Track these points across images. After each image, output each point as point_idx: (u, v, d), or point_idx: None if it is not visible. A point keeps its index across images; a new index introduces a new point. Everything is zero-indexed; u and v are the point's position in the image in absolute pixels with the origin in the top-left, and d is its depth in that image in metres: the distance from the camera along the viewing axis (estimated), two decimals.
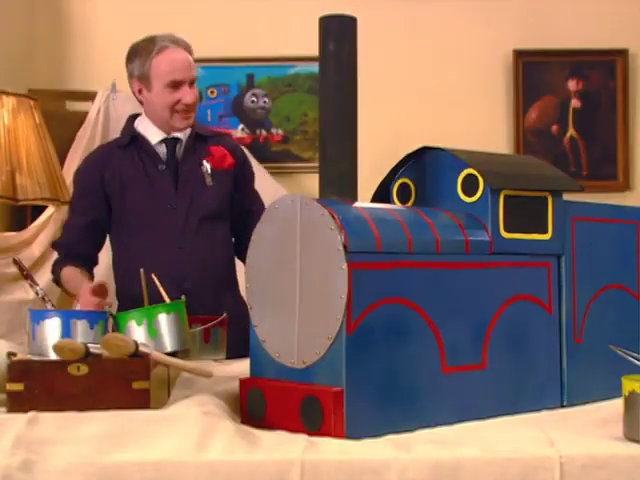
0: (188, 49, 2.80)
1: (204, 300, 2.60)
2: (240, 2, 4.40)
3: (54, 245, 2.86)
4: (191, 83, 2.77)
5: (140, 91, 2.83)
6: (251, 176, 2.97)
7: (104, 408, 1.66)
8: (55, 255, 2.86)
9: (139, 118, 2.88)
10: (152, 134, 2.81)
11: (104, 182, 2.76)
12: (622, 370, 1.69)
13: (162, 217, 2.74)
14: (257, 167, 3.98)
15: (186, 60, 2.77)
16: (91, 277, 2.75)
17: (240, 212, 2.88)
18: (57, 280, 2.78)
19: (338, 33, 1.82)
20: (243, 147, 3.12)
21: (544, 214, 1.97)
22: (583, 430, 1.68)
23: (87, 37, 4.42)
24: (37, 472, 1.44)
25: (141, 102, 2.87)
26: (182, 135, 2.82)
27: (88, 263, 2.78)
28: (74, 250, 2.75)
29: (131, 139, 2.82)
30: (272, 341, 1.76)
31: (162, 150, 2.79)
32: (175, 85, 2.74)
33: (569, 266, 2.02)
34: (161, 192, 2.75)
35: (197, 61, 4.40)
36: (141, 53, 2.79)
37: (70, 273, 2.71)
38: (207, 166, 2.72)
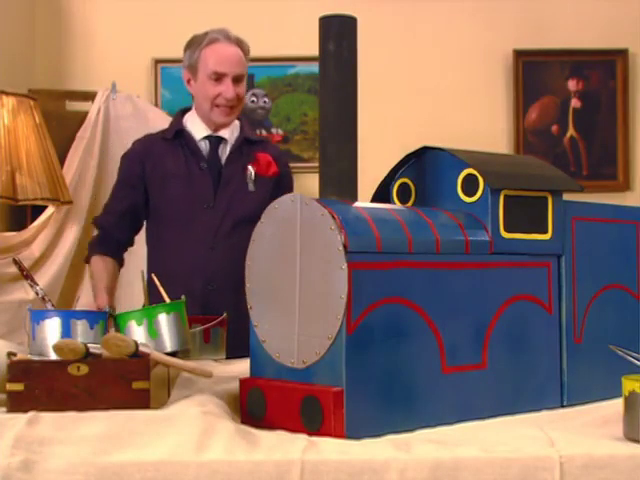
0: (241, 45, 2.80)
1: (226, 302, 2.58)
2: (240, 2, 4.41)
3: (94, 221, 2.91)
4: (236, 79, 2.76)
5: (189, 81, 2.86)
6: (289, 185, 2.97)
7: (104, 408, 1.66)
8: (94, 232, 2.91)
9: (189, 112, 2.91)
10: (197, 130, 2.83)
11: (145, 172, 2.79)
12: (622, 370, 1.69)
13: (198, 215, 2.76)
14: None
15: (234, 55, 2.77)
16: (116, 267, 2.83)
17: None
18: (87, 262, 2.85)
19: (338, 33, 1.81)
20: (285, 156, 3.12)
21: (544, 214, 1.97)
22: (583, 430, 1.68)
23: (87, 37, 4.42)
24: (37, 472, 1.44)
25: (192, 95, 2.90)
26: (228, 135, 2.81)
27: (120, 248, 2.84)
28: (110, 232, 2.81)
29: (176, 133, 2.83)
30: (272, 341, 1.76)
31: (205, 147, 2.80)
32: (218, 77, 2.75)
33: (569, 266, 2.02)
34: (200, 190, 2.77)
35: None
36: (193, 44, 2.81)
37: (96, 266, 2.78)
38: (252, 171, 2.71)
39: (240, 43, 2.80)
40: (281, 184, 2.89)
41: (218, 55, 2.76)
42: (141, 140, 2.93)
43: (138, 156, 2.84)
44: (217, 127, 2.81)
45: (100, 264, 2.79)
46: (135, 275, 2.58)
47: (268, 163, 2.78)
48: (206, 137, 2.82)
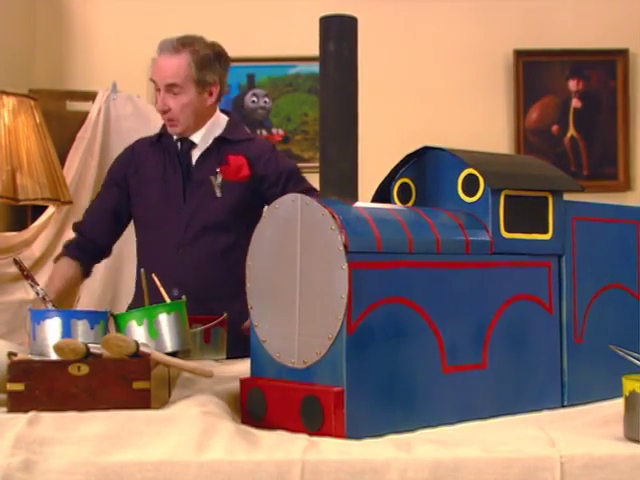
0: (187, 52, 2.68)
1: (192, 309, 2.53)
2: (240, 2, 4.40)
3: (73, 226, 2.89)
4: (170, 89, 2.67)
5: None
6: (284, 179, 2.81)
7: (104, 408, 1.66)
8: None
9: None
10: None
11: (127, 175, 2.78)
12: (622, 370, 1.69)
13: (169, 220, 2.73)
14: None
15: (168, 64, 2.67)
16: (79, 274, 2.76)
17: None
18: (55, 261, 2.82)
19: (338, 33, 1.81)
20: (276, 150, 2.95)
21: (545, 214, 1.97)
22: (584, 430, 1.68)
23: (88, 37, 4.42)
24: (37, 472, 1.44)
25: None
26: (199, 138, 2.77)
27: (94, 254, 2.80)
28: (87, 235, 2.78)
29: (160, 136, 2.82)
30: (272, 341, 1.76)
31: (180, 150, 2.78)
32: (157, 89, 2.70)
33: (569, 266, 2.02)
34: (172, 194, 2.74)
35: None
36: None
37: (58, 270, 2.73)
38: (219, 178, 2.67)
39: (186, 50, 2.67)
40: (265, 181, 2.79)
41: (155, 65, 2.71)
42: (131, 144, 2.93)
43: (124, 160, 2.84)
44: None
45: (62, 268, 2.75)
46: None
47: (238, 167, 2.71)
48: (179, 140, 2.79)
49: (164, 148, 2.79)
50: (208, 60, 2.71)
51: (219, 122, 2.83)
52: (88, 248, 2.78)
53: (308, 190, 2.82)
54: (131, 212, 2.83)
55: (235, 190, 2.73)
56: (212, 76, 2.73)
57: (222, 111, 2.88)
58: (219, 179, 2.66)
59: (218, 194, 2.67)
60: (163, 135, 2.82)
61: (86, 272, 2.83)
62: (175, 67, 2.66)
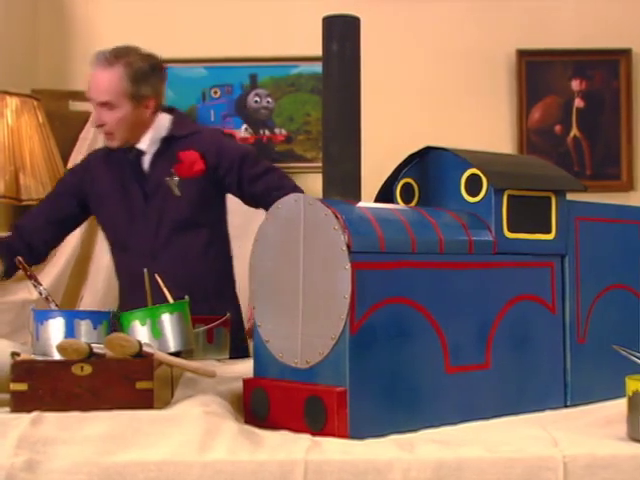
0: (120, 66, 2.60)
1: None
2: (243, 2, 4.40)
3: (13, 225, 2.82)
4: (104, 105, 2.61)
5: None
6: (237, 164, 2.77)
7: (108, 408, 1.66)
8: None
9: None
10: None
11: (84, 190, 2.72)
12: (626, 370, 1.69)
13: (135, 229, 2.68)
14: None
15: (100, 80, 2.61)
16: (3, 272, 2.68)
17: (249, 197, 2.82)
18: None
19: (341, 33, 1.81)
20: (227, 137, 2.91)
21: (548, 214, 1.97)
22: (587, 430, 1.68)
23: (90, 38, 4.42)
24: (41, 472, 1.44)
25: None
26: (146, 145, 2.71)
27: (25, 258, 2.69)
28: (25, 238, 2.70)
29: (109, 149, 2.76)
30: (275, 341, 1.76)
31: (132, 159, 2.73)
32: (92, 103, 2.64)
33: (573, 266, 2.02)
34: (133, 205, 2.68)
35: (199, 61, 4.40)
36: None
37: None
38: (174, 177, 2.61)
39: (119, 63, 2.61)
40: (220, 170, 2.74)
41: (89, 81, 2.65)
42: (85, 157, 2.88)
43: (79, 171, 2.78)
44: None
45: None
46: None
47: (192, 162, 2.67)
48: (129, 149, 2.73)
49: (116, 160, 2.73)
50: (143, 73, 2.65)
51: (162, 124, 2.77)
52: (20, 252, 2.69)
53: (267, 170, 2.81)
54: (79, 224, 2.78)
55: (194, 186, 2.70)
56: (147, 89, 2.67)
57: (164, 109, 2.83)
58: (175, 178, 2.62)
59: (177, 193, 2.63)
60: (110, 149, 2.78)
61: (8, 273, 2.73)
62: (107, 82, 2.60)
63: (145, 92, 2.64)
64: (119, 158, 2.72)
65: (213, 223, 2.81)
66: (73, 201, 2.76)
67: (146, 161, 2.71)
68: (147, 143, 2.68)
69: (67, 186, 2.80)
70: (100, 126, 2.62)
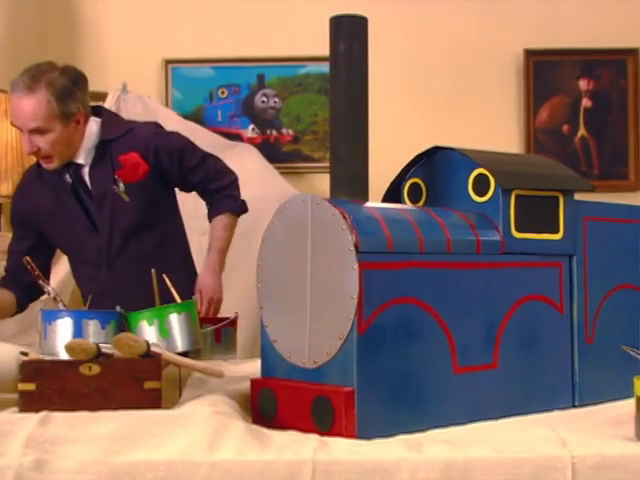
0: (42, 89, 2.47)
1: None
2: (250, 2, 4.41)
3: (5, 269, 2.76)
4: (35, 131, 2.50)
5: None
6: (176, 157, 2.69)
7: (116, 408, 1.66)
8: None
9: None
10: None
11: (30, 215, 2.67)
12: (634, 370, 1.69)
13: (87, 243, 2.63)
14: (268, 168, 3.97)
15: (25, 107, 2.48)
16: (11, 302, 2.67)
17: (190, 187, 2.79)
18: None
19: (349, 33, 1.81)
20: (160, 130, 2.77)
21: (555, 214, 1.97)
22: (595, 430, 1.67)
23: (98, 38, 4.43)
24: (49, 472, 1.44)
25: None
26: (83, 158, 2.62)
27: (27, 289, 2.65)
28: (17, 277, 2.65)
29: (38, 167, 2.67)
30: (283, 341, 1.76)
31: (67, 176, 2.64)
32: (20, 129, 2.54)
33: (580, 266, 2.01)
34: (77, 220, 2.62)
35: (206, 61, 4.41)
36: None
37: None
38: (120, 184, 2.53)
39: (40, 82, 2.47)
40: (161, 166, 2.66)
41: (12, 108, 2.51)
42: (20, 180, 2.78)
43: (20, 200, 2.71)
44: None
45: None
46: None
47: (134, 165, 2.58)
48: (65, 165, 2.62)
49: (48, 178, 2.64)
50: (66, 90, 2.53)
51: (92, 131, 2.64)
52: (18, 282, 2.64)
53: (203, 158, 2.75)
54: (50, 246, 2.74)
55: (141, 189, 2.63)
56: (75, 105, 2.55)
57: (92, 110, 2.72)
58: (121, 185, 2.54)
59: (127, 199, 2.55)
60: (42, 167, 2.66)
61: (21, 306, 2.72)
62: (34, 109, 2.48)
63: (73, 109, 2.52)
64: (51, 176, 2.62)
65: (165, 218, 2.77)
66: (29, 230, 2.70)
67: (85, 173, 2.63)
68: (83, 155, 2.59)
69: (18, 217, 2.74)
70: (35, 153, 2.53)
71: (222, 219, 2.76)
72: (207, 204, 2.80)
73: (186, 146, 2.74)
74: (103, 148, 2.59)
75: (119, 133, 2.61)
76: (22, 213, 2.70)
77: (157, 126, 2.77)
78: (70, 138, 2.55)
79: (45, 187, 2.64)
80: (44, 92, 2.47)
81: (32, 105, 2.47)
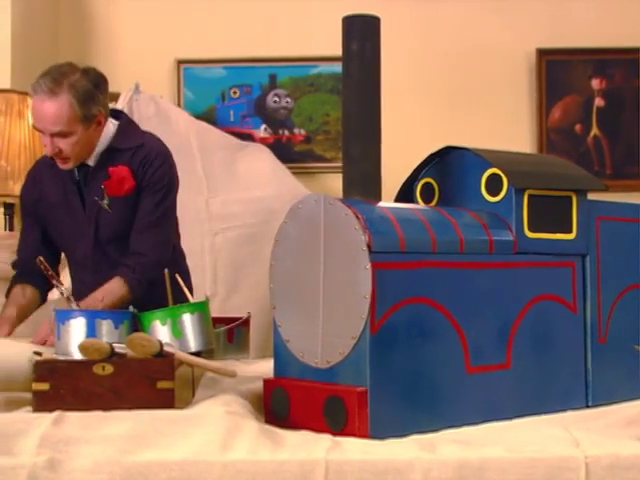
0: (66, 93, 2.44)
1: None
2: (262, 2, 4.41)
3: (13, 265, 2.76)
4: (55, 135, 2.47)
5: None
6: (150, 189, 2.59)
7: (129, 407, 1.67)
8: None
9: None
10: None
11: (35, 204, 2.67)
12: None
13: (79, 242, 2.62)
14: (280, 168, 3.97)
15: (48, 111, 2.45)
16: (35, 297, 2.61)
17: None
18: (7, 295, 2.63)
19: (361, 33, 1.82)
20: (164, 155, 2.64)
21: (568, 214, 1.97)
22: (608, 430, 1.67)
23: (110, 39, 4.44)
24: (62, 471, 1.45)
25: None
26: (92, 162, 2.56)
27: (43, 279, 2.64)
28: (29, 267, 2.64)
29: (52, 159, 2.65)
30: (296, 341, 1.76)
31: (75, 171, 2.57)
32: (41, 131, 2.54)
33: (594, 266, 2.01)
34: (76, 217, 2.61)
35: (218, 62, 4.41)
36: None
37: (11, 296, 2.57)
38: (105, 196, 2.50)
39: (63, 86, 2.44)
40: (142, 188, 2.56)
41: (35, 110, 2.47)
42: (31, 170, 2.78)
43: (29, 187, 2.70)
44: None
45: (15, 295, 2.59)
46: None
47: (121, 179, 2.51)
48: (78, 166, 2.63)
49: (60, 172, 2.64)
50: (89, 93, 2.50)
51: (108, 133, 2.60)
52: (33, 273, 2.62)
53: (158, 218, 2.56)
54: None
55: (124, 204, 2.55)
56: (96, 107, 2.51)
57: (112, 113, 2.67)
58: (105, 198, 2.51)
59: (109, 210, 2.53)
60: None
61: (43, 294, 2.68)
62: (57, 113, 2.46)
63: (94, 111, 2.49)
64: (60, 171, 2.62)
65: None
66: (38, 220, 2.70)
67: (90, 174, 2.60)
68: (94, 157, 2.58)
69: (27, 205, 2.74)
70: (56, 154, 2.53)
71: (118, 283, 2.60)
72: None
73: (161, 186, 2.58)
74: (109, 154, 2.58)
75: (129, 145, 2.58)
76: (31, 202, 2.70)
77: (166, 150, 2.67)
78: (90, 139, 2.54)
79: (55, 178, 2.64)
80: (67, 96, 2.45)
81: (55, 109, 2.45)
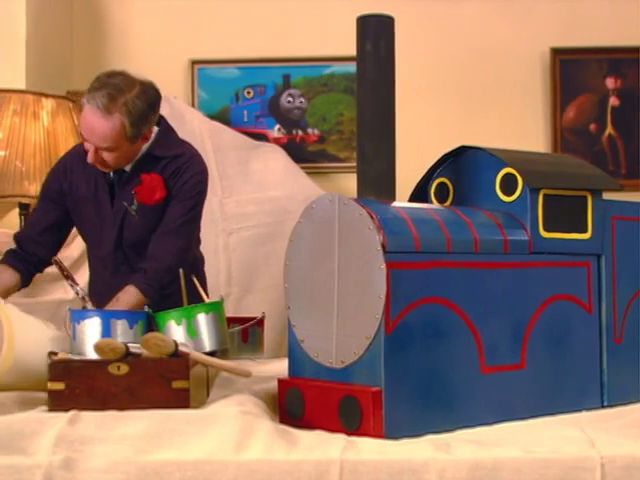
0: (118, 112, 2.42)
1: None
2: (276, 2, 4.41)
3: (14, 237, 2.78)
4: (102, 149, 2.46)
5: None
6: (179, 198, 2.58)
7: (144, 407, 1.67)
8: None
9: None
10: None
11: (64, 193, 2.68)
12: None
13: (104, 239, 2.64)
14: (294, 168, 3.97)
15: (97, 127, 2.44)
16: (15, 281, 2.59)
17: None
18: None
19: (376, 32, 1.81)
20: (199, 167, 2.65)
21: (584, 213, 1.96)
22: (624, 431, 1.66)
23: (124, 39, 4.45)
24: (78, 471, 1.45)
25: None
26: (129, 167, 2.56)
27: (33, 265, 2.64)
28: (26, 248, 2.67)
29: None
30: (310, 341, 1.77)
31: (111, 172, 2.58)
32: (86, 140, 2.52)
33: (609, 265, 2.00)
34: (103, 214, 2.62)
35: (232, 62, 4.41)
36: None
37: None
38: (134, 202, 2.50)
39: (117, 104, 2.43)
40: (171, 197, 2.56)
41: (85, 122, 2.44)
42: (61, 159, 2.79)
43: (57, 175, 2.71)
44: None
45: (1, 275, 2.64)
46: None
47: (152, 188, 2.52)
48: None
49: (94, 170, 2.63)
50: (143, 115, 2.48)
51: (149, 140, 2.58)
52: (28, 260, 2.66)
53: (183, 223, 2.56)
54: (71, 225, 2.74)
55: (152, 212, 2.55)
56: (146, 127, 2.51)
57: None
58: (134, 204, 2.51)
59: (135, 216, 2.53)
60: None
61: (25, 282, 2.71)
62: (107, 132, 2.44)
63: (144, 130, 2.52)
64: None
65: None
66: (57, 205, 2.71)
67: (124, 175, 2.59)
68: (130, 165, 2.58)
69: (50, 190, 2.75)
70: (96, 162, 2.53)
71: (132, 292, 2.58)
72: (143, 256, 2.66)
73: (191, 197, 2.59)
74: (146, 160, 2.57)
75: (166, 154, 2.57)
76: (56, 189, 2.70)
77: (200, 165, 2.66)
78: (134, 152, 2.55)
79: (88, 175, 2.65)
80: (120, 117, 2.41)
81: (106, 128, 2.42)
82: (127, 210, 2.55)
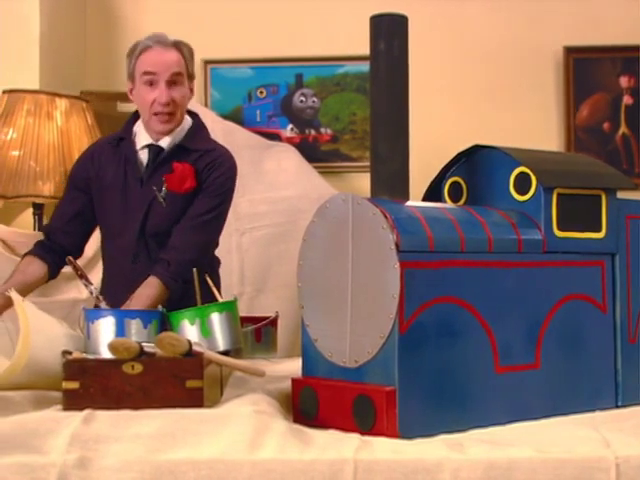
0: (179, 47, 2.63)
1: None
2: (288, 2, 4.41)
3: (43, 228, 2.82)
4: (171, 82, 2.58)
5: (130, 91, 2.71)
6: (209, 192, 2.60)
7: (158, 406, 1.67)
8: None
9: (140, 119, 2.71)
10: (141, 138, 2.64)
11: (90, 180, 2.71)
12: None
13: (126, 228, 2.65)
14: (307, 167, 3.97)
15: (166, 57, 2.61)
16: (42, 273, 2.59)
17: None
18: (22, 258, 2.66)
19: (389, 31, 1.81)
20: (230, 163, 2.67)
21: (598, 212, 1.95)
22: (638, 431, 1.66)
23: (137, 38, 4.46)
24: (93, 470, 1.46)
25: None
26: (167, 144, 2.62)
27: (61, 256, 2.67)
28: (55, 238, 2.69)
29: (120, 139, 2.68)
30: (324, 340, 1.77)
31: (144, 157, 2.64)
32: (151, 82, 2.59)
33: (623, 265, 2.00)
34: (130, 203, 2.63)
35: (245, 62, 4.42)
36: (130, 52, 2.68)
37: (20, 266, 2.61)
38: (163, 189, 2.53)
39: (178, 45, 2.64)
40: (200, 190, 2.58)
41: (149, 59, 2.60)
42: (89, 147, 2.83)
43: (85, 162, 2.74)
44: (159, 135, 2.61)
45: (24, 265, 2.65)
46: None
47: (183, 177, 2.56)
48: (146, 146, 2.62)
49: (123, 154, 2.67)
50: (191, 55, 2.70)
51: (184, 125, 2.67)
52: (57, 252, 2.69)
53: (211, 219, 2.58)
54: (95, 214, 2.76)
55: (181, 201, 2.57)
56: (193, 75, 2.70)
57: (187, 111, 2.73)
58: (163, 190, 2.54)
59: (163, 204, 2.55)
60: (123, 139, 2.68)
61: (53, 274, 2.73)
62: (175, 59, 2.62)
63: (193, 73, 2.71)
64: (125, 152, 2.67)
65: None
66: (83, 193, 2.74)
67: (157, 162, 2.62)
68: (167, 143, 2.62)
69: (76, 178, 2.78)
70: (169, 104, 2.61)
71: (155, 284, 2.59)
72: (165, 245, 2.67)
73: (221, 191, 2.61)
74: (178, 150, 2.61)
75: (199, 147, 2.61)
76: (83, 176, 2.73)
77: (233, 162, 2.70)
78: (185, 103, 2.65)
79: (118, 160, 2.67)
80: (178, 52, 2.62)
81: (174, 56, 2.60)
82: (155, 197, 2.57)
